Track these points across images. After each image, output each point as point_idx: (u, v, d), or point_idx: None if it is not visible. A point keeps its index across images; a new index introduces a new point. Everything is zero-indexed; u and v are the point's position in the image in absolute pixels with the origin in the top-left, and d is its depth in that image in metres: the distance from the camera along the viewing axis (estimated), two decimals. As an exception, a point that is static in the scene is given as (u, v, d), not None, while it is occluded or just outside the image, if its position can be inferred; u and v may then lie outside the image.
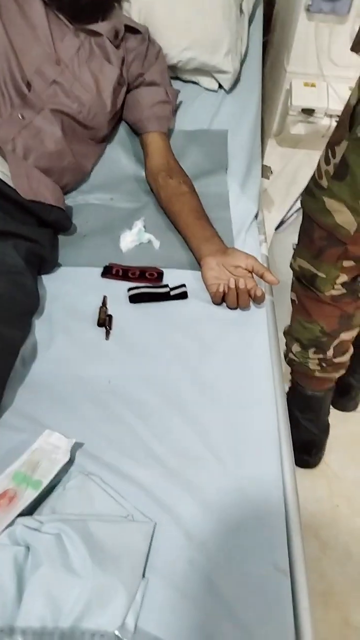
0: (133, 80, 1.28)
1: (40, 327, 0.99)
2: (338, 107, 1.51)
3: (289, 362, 1.37)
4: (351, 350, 1.30)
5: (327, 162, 1.00)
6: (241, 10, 1.42)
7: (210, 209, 1.17)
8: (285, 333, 1.35)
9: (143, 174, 1.28)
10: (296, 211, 1.61)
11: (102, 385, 0.91)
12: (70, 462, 0.77)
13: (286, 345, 1.36)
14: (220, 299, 1.04)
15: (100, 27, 1.20)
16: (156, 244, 1.15)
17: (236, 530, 0.74)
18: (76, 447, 0.79)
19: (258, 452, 0.84)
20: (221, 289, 1.02)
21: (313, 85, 1.53)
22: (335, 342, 1.24)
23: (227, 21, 1.35)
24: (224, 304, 1.05)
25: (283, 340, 1.17)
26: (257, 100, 1.44)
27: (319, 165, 1.04)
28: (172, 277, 1.09)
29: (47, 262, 1.07)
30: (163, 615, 0.66)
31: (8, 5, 1.13)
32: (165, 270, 1.09)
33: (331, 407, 1.51)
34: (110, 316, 1.01)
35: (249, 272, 1.03)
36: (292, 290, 1.28)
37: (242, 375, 0.94)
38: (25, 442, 0.78)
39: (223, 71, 1.38)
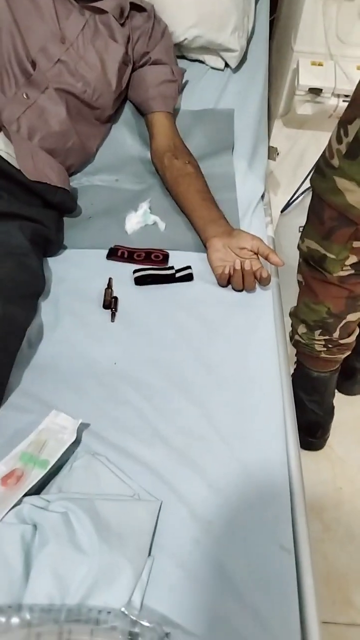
0: (138, 59, 1.27)
1: (46, 309, 0.99)
2: (346, 86, 1.49)
3: (295, 343, 1.37)
4: (357, 331, 1.29)
5: (339, 140, 0.98)
6: (248, -13, 1.40)
7: (216, 190, 1.16)
8: (291, 314, 1.34)
9: (148, 155, 1.26)
10: (302, 193, 1.59)
11: (107, 367, 0.91)
12: (77, 442, 0.78)
13: (292, 326, 1.35)
14: (225, 281, 1.03)
15: (106, 4, 1.18)
16: (162, 225, 1.14)
17: (241, 510, 0.75)
18: (82, 427, 0.80)
19: (263, 432, 0.84)
20: (227, 271, 1.02)
21: (320, 64, 1.50)
22: (342, 324, 1.24)
23: (233, -2, 1.33)
24: (230, 285, 1.04)
25: (289, 322, 1.16)
26: (263, 79, 1.42)
27: (329, 144, 1.02)
28: (177, 259, 1.08)
29: (52, 244, 1.06)
30: (169, 593, 0.67)
31: (13, -17, 1.12)
32: (170, 252, 1.09)
33: (336, 390, 1.51)
34: (115, 298, 1.00)
35: (255, 253, 1.03)
36: (298, 271, 1.27)
37: (247, 357, 0.94)
38: (32, 422, 0.79)
39: (229, 49, 1.36)
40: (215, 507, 0.75)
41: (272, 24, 1.58)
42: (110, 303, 0.99)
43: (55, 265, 1.07)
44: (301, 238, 1.17)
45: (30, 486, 0.70)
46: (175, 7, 1.32)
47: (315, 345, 1.30)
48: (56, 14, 1.13)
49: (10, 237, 0.95)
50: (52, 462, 0.73)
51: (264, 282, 1.03)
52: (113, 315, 0.98)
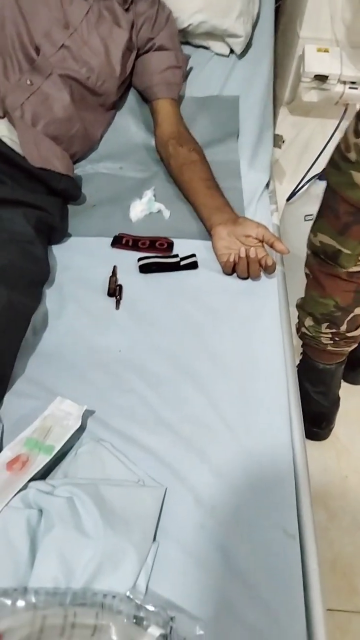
0: (143, 45, 1.26)
1: (50, 297, 0.99)
2: (352, 73, 1.47)
3: (301, 335, 1.36)
4: None
5: (357, 134, 0.96)
6: (253, -28, 1.39)
7: (221, 178, 1.15)
8: (298, 307, 1.34)
9: (153, 142, 1.26)
10: (308, 181, 1.58)
11: (112, 354, 0.91)
12: (82, 428, 0.78)
13: (298, 319, 1.34)
14: (230, 269, 1.03)
15: (110, -11, 1.17)
16: (166, 213, 1.14)
17: (246, 496, 0.75)
18: (87, 414, 0.80)
19: (268, 420, 0.84)
20: (232, 259, 1.01)
21: (326, 50, 1.48)
22: (349, 317, 1.23)
23: (239, -17, 1.31)
24: (235, 273, 1.04)
25: (294, 310, 1.15)
26: (269, 65, 1.41)
27: (346, 137, 1.00)
28: (182, 247, 1.08)
29: (56, 232, 1.06)
30: (174, 578, 0.67)
31: (17, -31, 1.11)
32: (175, 240, 1.09)
33: (342, 380, 1.51)
34: (120, 286, 1.00)
35: (260, 241, 1.02)
36: (306, 264, 1.26)
37: (252, 345, 0.94)
38: (37, 409, 0.79)
39: (235, 35, 1.35)
40: (219, 493, 0.75)
41: (277, 10, 1.56)
42: (114, 291, 0.99)
43: (60, 253, 1.06)
44: (313, 232, 1.15)
45: (35, 471, 0.70)
46: (179, -7, 1.31)
47: (322, 338, 1.29)
48: (60, -1, 1.12)
49: (14, 225, 0.94)
50: (57, 447, 0.73)
51: (269, 270, 1.03)
52: (118, 303, 0.98)
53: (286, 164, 1.79)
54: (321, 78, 1.48)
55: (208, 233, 1.08)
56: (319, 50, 1.49)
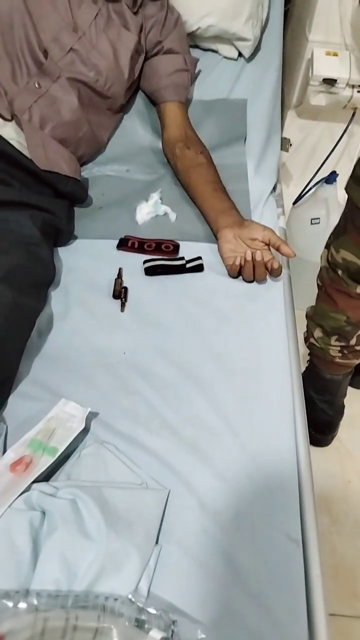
0: (151, 48, 1.26)
1: (56, 299, 0.99)
2: (361, 77, 1.47)
3: (309, 345, 1.36)
4: None
5: None
6: (262, -25, 1.39)
7: (227, 181, 1.15)
8: (308, 317, 1.33)
9: (160, 145, 1.26)
10: (315, 185, 1.58)
11: (117, 357, 0.91)
12: (86, 430, 0.78)
13: (307, 328, 1.34)
14: (236, 272, 1.03)
15: (118, -7, 1.17)
16: (172, 216, 1.14)
17: (249, 500, 0.75)
18: (91, 416, 0.80)
19: (272, 424, 0.84)
20: (237, 262, 1.01)
21: (335, 54, 1.48)
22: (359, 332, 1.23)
23: (247, -14, 1.31)
24: (241, 277, 1.04)
25: (300, 314, 1.15)
26: (277, 69, 1.40)
27: None
28: (188, 250, 1.08)
29: (63, 234, 1.06)
30: (176, 581, 0.67)
31: (25, -28, 1.11)
32: (181, 243, 1.09)
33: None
34: (125, 288, 1.00)
35: (266, 244, 1.02)
36: (318, 276, 1.26)
37: (257, 348, 0.94)
38: (41, 410, 0.79)
39: (243, 38, 1.35)
40: (223, 496, 0.75)
41: (286, 13, 1.57)
42: (120, 293, 0.99)
43: (66, 255, 1.07)
44: (335, 248, 1.14)
45: (38, 473, 0.70)
46: (188, -4, 1.31)
47: (331, 351, 1.29)
48: (69, 2, 1.13)
49: (21, 227, 0.95)
50: (61, 449, 0.73)
51: (275, 273, 1.02)
52: (123, 305, 0.98)
53: (293, 167, 1.78)
54: (329, 82, 1.48)
55: (214, 236, 1.08)
56: (327, 53, 1.49)
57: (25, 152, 1.04)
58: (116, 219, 1.13)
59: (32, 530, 0.65)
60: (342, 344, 1.26)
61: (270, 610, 0.66)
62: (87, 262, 1.05)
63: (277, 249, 1.02)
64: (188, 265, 1.05)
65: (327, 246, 1.20)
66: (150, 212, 1.14)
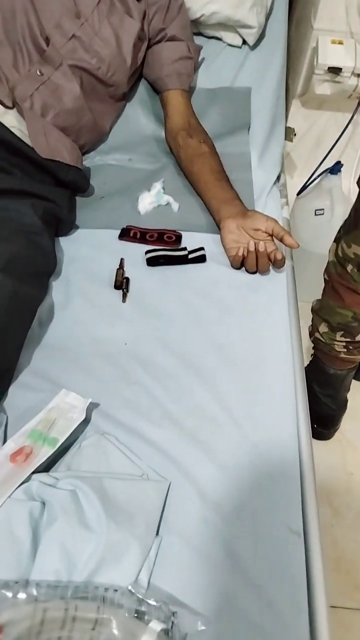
0: (154, 35, 1.24)
1: (57, 289, 0.98)
2: (366, 66, 1.45)
3: (314, 340, 1.35)
4: None
5: None
6: None
7: (231, 170, 1.14)
8: (314, 311, 1.32)
9: (163, 134, 1.25)
10: (319, 175, 1.57)
11: (118, 347, 0.90)
12: (86, 421, 0.78)
13: (312, 322, 1.33)
14: (239, 263, 1.02)
15: (121, -22, 1.15)
16: (175, 206, 1.13)
17: (250, 491, 0.74)
18: (92, 407, 0.79)
19: (274, 415, 0.83)
20: (240, 253, 1.00)
21: (341, 42, 1.46)
22: None
23: (252, -28, 1.29)
24: (243, 267, 1.03)
25: (303, 305, 1.14)
26: (282, 57, 1.39)
27: None
28: (190, 240, 1.07)
29: (64, 223, 1.05)
30: (176, 573, 0.66)
31: None
32: (183, 233, 1.08)
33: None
34: (127, 279, 1.00)
35: (269, 235, 1.01)
36: (325, 270, 1.25)
37: (259, 340, 0.93)
38: (42, 401, 0.79)
39: (247, 26, 1.33)
40: (224, 488, 0.74)
41: (291, 1, 1.54)
42: (121, 284, 0.98)
43: (67, 244, 1.06)
44: (346, 243, 1.13)
45: (39, 464, 0.70)
46: (192, -17, 1.29)
47: (336, 346, 1.28)
48: (71, -12, 1.11)
49: (22, 216, 0.94)
50: (61, 440, 0.73)
51: (278, 264, 1.01)
52: (124, 296, 0.97)
53: (297, 157, 1.77)
54: (335, 70, 1.46)
55: (217, 226, 1.07)
56: (333, 42, 1.47)
57: (27, 140, 1.02)
58: (118, 208, 1.12)
59: (32, 520, 0.65)
60: (348, 339, 1.25)
61: (271, 602, 0.66)
62: (88, 252, 1.05)
63: (281, 240, 1.01)
64: (190, 256, 1.04)
65: (337, 240, 1.19)
66: (153, 201, 1.12)
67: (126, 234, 1.07)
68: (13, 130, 1.02)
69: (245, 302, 0.98)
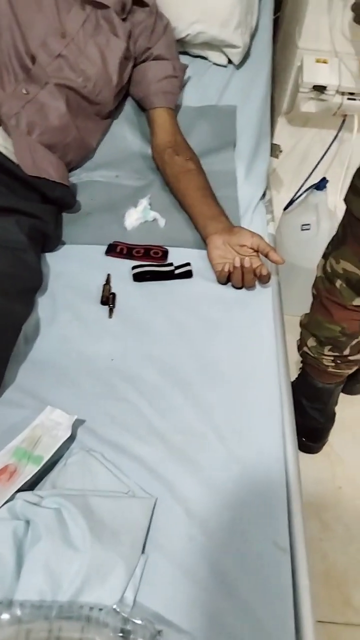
0: (140, 55, 1.26)
1: (43, 305, 0.98)
2: (350, 84, 1.48)
3: (302, 354, 1.36)
4: None
5: None
6: (252, -18, 1.39)
7: (217, 187, 1.15)
8: (302, 325, 1.33)
9: (149, 151, 1.26)
10: (305, 191, 1.59)
11: (104, 363, 0.90)
12: (72, 438, 0.77)
13: (301, 337, 1.34)
14: (225, 279, 1.02)
15: (107, -1, 1.17)
16: (161, 222, 1.14)
17: (237, 508, 0.74)
18: (77, 423, 0.79)
19: (260, 430, 0.83)
20: (226, 269, 1.01)
21: (325, 61, 1.49)
22: (354, 342, 1.23)
23: (237, -7, 1.32)
24: (229, 283, 1.03)
25: (289, 320, 1.15)
26: (267, 76, 1.41)
27: None
28: (177, 256, 1.07)
29: (50, 240, 1.06)
30: (162, 591, 0.66)
31: (13, -23, 1.11)
32: (170, 249, 1.08)
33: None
34: (114, 294, 1.00)
35: (255, 251, 1.02)
36: (314, 285, 1.26)
37: (246, 355, 0.94)
38: (27, 418, 0.78)
39: (233, 45, 1.35)
40: (210, 504, 0.74)
41: (276, 20, 1.57)
42: (108, 299, 0.99)
43: (54, 260, 1.06)
44: (335, 258, 1.14)
45: (23, 482, 0.69)
46: (177, 3, 1.31)
47: (324, 360, 1.29)
48: (57, 8, 1.12)
49: (7, 232, 0.94)
50: (46, 458, 0.72)
51: (263, 279, 1.02)
52: (111, 311, 0.98)
53: (284, 173, 1.79)
54: (319, 89, 1.49)
55: (203, 242, 1.07)
56: (317, 60, 1.50)
57: (13, 157, 1.03)
58: (105, 224, 1.13)
59: (16, 539, 0.64)
60: (336, 354, 1.26)
61: (258, 620, 0.65)
62: (75, 268, 1.05)
63: (266, 256, 1.02)
64: (177, 272, 1.04)
65: (325, 256, 1.20)
66: (139, 218, 1.13)
67: (113, 250, 1.08)
68: (-1, 147, 1.03)
69: (232, 317, 0.99)
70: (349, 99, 1.51)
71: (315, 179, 1.56)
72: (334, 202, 1.62)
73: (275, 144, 1.64)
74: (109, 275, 1.03)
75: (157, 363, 0.91)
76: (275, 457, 0.81)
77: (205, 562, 0.69)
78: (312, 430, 1.46)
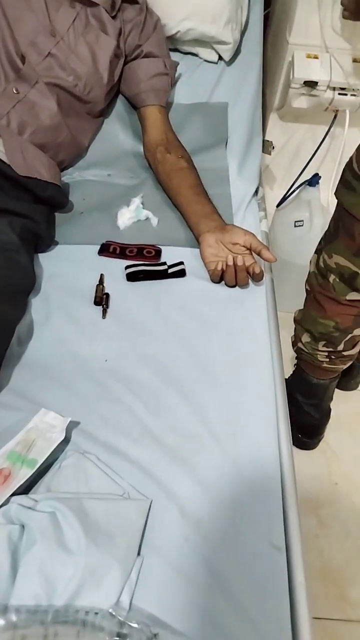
0: (130, 52, 1.25)
1: (36, 306, 0.98)
2: (341, 79, 1.47)
3: (297, 350, 1.36)
4: None
5: None
6: (242, -22, 1.38)
7: (209, 185, 1.15)
8: (296, 321, 1.33)
9: (141, 149, 1.25)
10: (298, 187, 1.58)
11: (98, 364, 0.90)
12: (66, 440, 0.77)
13: (295, 333, 1.34)
14: (218, 277, 1.02)
15: (97, -3, 1.16)
16: (154, 221, 1.13)
17: (232, 508, 0.74)
18: (72, 425, 0.79)
19: (255, 430, 0.83)
20: (219, 267, 1.01)
21: (316, 57, 1.49)
22: (347, 337, 1.23)
23: (227, -10, 1.31)
24: (223, 281, 1.03)
25: (282, 317, 1.15)
26: (257, 72, 1.40)
27: (359, 154, 0.98)
28: (170, 255, 1.07)
29: (43, 240, 1.05)
30: (158, 593, 0.66)
31: (1, -25, 1.10)
32: (163, 248, 1.08)
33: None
34: (107, 294, 0.99)
35: (248, 249, 1.02)
36: (307, 281, 1.26)
37: (240, 354, 0.93)
38: (20, 421, 0.78)
39: (223, 42, 1.35)
40: (206, 505, 0.74)
41: (267, 16, 1.57)
42: (101, 300, 0.98)
43: (46, 261, 1.05)
44: (327, 253, 1.14)
45: (17, 486, 0.69)
46: (167, 0, 1.30)
47: (318, 356, 1.29)
48: (46, 6, 1.11)
49: (-1, 233, 0.94)
50: (41, 461, 0.72)
51: (256, 277, 1.02)
52: (104, 312, 0.97)
53: (276, 169, 1.79)
54: (311, 84, 1.48)
55: (196, 240, 1.07)
56: (308, 56, 1.49)
57: (4, 157, 1.02)
58: (97, 224, 1.12)
59: (10, 544, 0.64)
60: (330, 349, 1.26)
61: (254, 619, 0.66)
62: (68, 268, 1.04)
63: (259, 254, 1.01)
64: (170, 271, 1.04)
65: (318, 252, 1.20)
66: (132, 217, 1.13)
67: (106, 250, 1.07)
68: (-11, 148, 1.02)
69: (225, 315, 0.99)
70: (340, 94, 1.51)
71: (307, 175, 1.56)
72: (327, 198, 1.62)
73: (267, 141, 1.64)
74: (102, 275, 1.02)
75: (151, 363, 0.91)
76: (270, 456, 0.81)
77: (201, 563, 0.69)
78: (307, 426, 1.46)
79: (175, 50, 1.40)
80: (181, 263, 1.05)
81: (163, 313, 0.98)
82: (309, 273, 1.24)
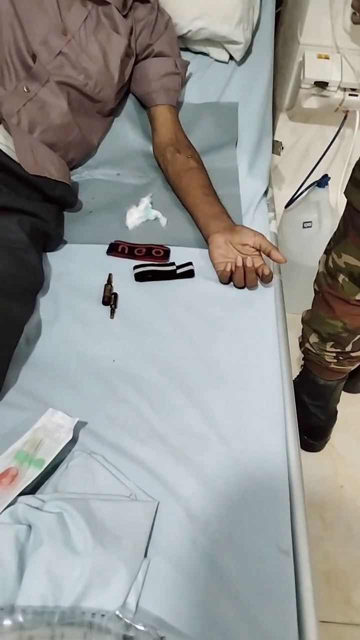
0: (141, 51, 1.25)
1: (44, 305, 0.98)
2: (352, 80, 1.47)
3: (304, 351, 1.35)
4: None
5: None
6: (253, -22, 1.38)
7: (218, 185, 1.14)
8: (304, 322, 1.33)
9: (151, 149, 1.25)
10: (307, 188, 1.58)
11: (106, 364, 0.90)
12: (73, 441, 0.77)
13: (303, 333, 1.34)
14: (227, 278, 1.02)
15: (108, -4, 1.16)
16: (163, 221, 1.13)
17: (239, 510, 0.74)
18: (79, 425, 0.79)
19: (262, 431, 0.83)
20: (228, 268, 1.00)
21: (327, 57, 1.48)
22: (356, 338, 1.22)
23: (238, -11, 1.30)
24: (231, 282, 1.03)
25: (291, 319, 1.14)
26: (268, 72, 1.40)
27: None
28: (178, 255, 1.07)
29: (52, 239, 1.05)
30: (165, 595, 0.66)
31: (13, -26, 1.10)
32: (171, 248, 1.08)
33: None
34: (115, 294, 0.99)
35: (257, 250, 1.01)
36: (315, 281, 1.26)
37: (248, 355, 0.93)
38: (28, 420, 0.78)
39: (234, 41, 1.34)
40: (213, 507, 0.74)
41: (278, 16, 1.56)
42: (109, 299, 0.98)
43: (55, 260, 1.05)
44: (336, 253, 1.13)
45: (25, 486, 0.69)
46: (179, -2, 1.30)
47: (326, 356, 1.28)
48: (58, 5, 1.11)
49: (8, 232, 0.93)
50: (48, 461, 0.72)
51: (266, 279, 1.02)
52: (112, 311, 0.97)
53: (285, 170, 1.78)
54: (321, 85, 1.48)
55: (205, 241, 1.07)
56: (319, 56, 1.49)
57: (14, 156, 1.02)
58: (106, 223, 1.12)
59: (17, 544, 0.64)
60: (338, 350, 1.26)
61: (260, 623, 0.65)
62: (76, 268, 1.04)
63: (268, 255, 1.01)
64: (179, 271, 1.04)
65: (327, 252, 1.19)
66: (141, 216, 1.12)
67: (114, 249, 1.07)
68: (0, 146, 1.02)
69: (234, 317, 0.98)
70: (350, 94, 1.50)
71: (316, 176, 1.55)
72: (336, 199, 1.61)
73: (277, 141, 1.63)
74: (110, 275, 1.02)
75: (158, 363, 0.90)
76: (277, 459, 0.81)
77: (208, 566, 0.69)
78: (313, 428, 1.46)
79: (186, 49, 1.40)
80: (190, 263, 1.04)
81: (171, 313, 0.98)
82: (318, 273, 1.24)
